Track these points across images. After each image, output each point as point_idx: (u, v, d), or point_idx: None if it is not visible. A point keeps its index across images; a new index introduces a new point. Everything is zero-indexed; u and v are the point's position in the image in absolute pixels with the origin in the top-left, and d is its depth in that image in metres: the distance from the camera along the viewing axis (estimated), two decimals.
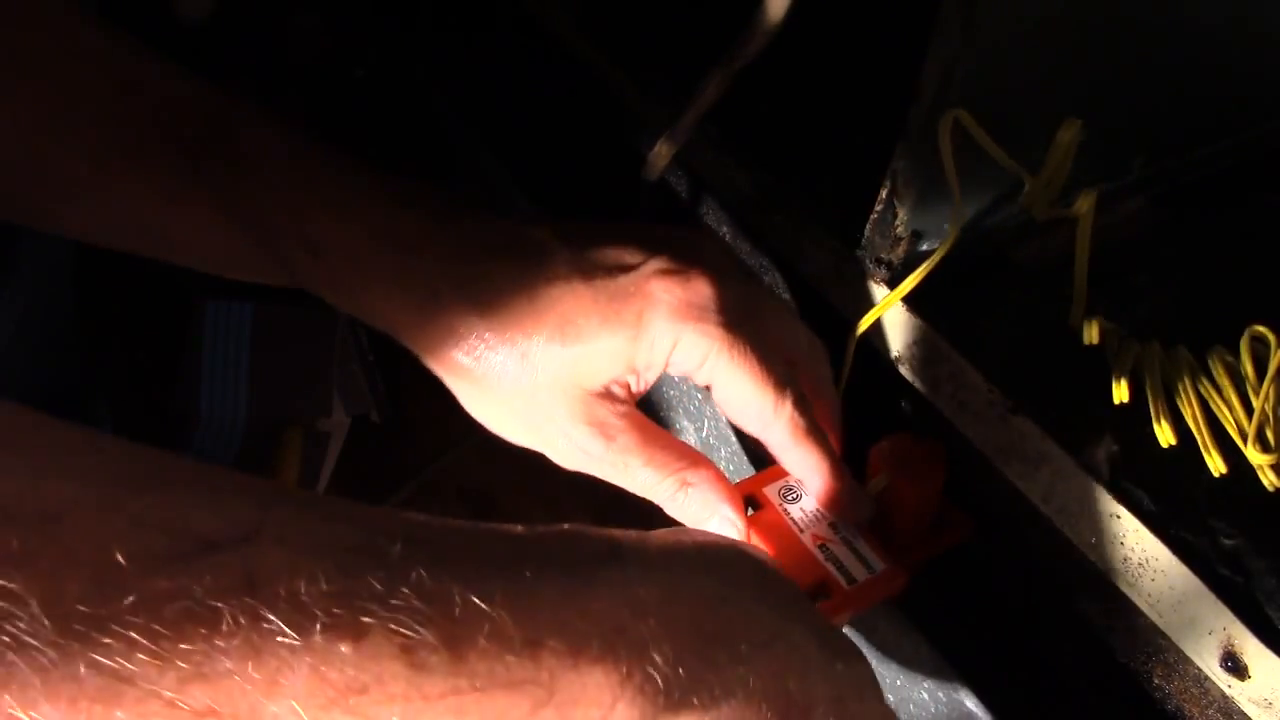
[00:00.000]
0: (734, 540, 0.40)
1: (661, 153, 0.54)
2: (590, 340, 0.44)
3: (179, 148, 0.47)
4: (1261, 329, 0.48)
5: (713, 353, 0.45)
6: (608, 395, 0.45)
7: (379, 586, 0.27)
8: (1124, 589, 0.43)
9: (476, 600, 0.28)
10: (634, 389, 0.46)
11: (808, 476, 0.47)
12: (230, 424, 0.93)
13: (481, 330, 0.45)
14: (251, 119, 0.48)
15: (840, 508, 0.47)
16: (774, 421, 0.46)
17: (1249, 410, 0.45)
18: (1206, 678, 0.42)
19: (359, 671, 0.27)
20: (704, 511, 0.46)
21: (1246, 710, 0.41)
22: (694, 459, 0.46)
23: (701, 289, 0.45)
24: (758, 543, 0.46)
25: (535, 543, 0.32)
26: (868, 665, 0.38)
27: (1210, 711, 0.43)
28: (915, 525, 0.48)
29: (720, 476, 0.46)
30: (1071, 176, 0.48)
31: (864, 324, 0.50)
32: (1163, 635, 0.43)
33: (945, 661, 0.47)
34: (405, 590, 0.28)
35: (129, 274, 0.89)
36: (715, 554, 0.37)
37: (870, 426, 0.51)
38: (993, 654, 0.48)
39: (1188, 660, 0.42)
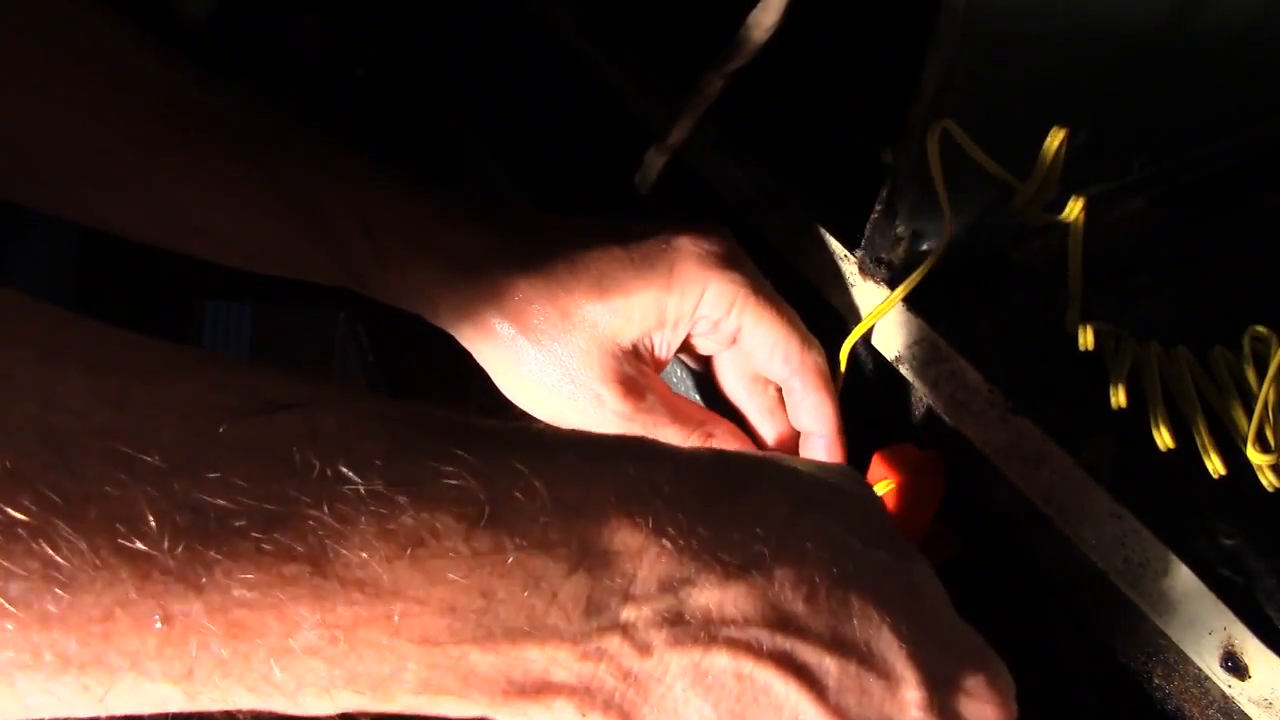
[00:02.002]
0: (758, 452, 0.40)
1: (654, 163, 0.54)
2: (626, 293, 0.47)
3: (230, 136, 0.49)
4: (1261, 329, 0.48)
5: (739, 298, 0.48)
6: (636, 354, 0.48)
7: (430, 445, 0.29)
8: (1124, 589, 0.43)
9: (517, 464, 0.30)
10: (658, 352, 0.49)
11: (819, 426, 0.49)
12: None
13: (525, 291, 0.48)
14: (295, 117, 0.51)
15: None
16: (802, 363, 0.49)
17: (1249, 411, 0.45)
18: (1206, 678, 0.42)
19: (417, 523, 0.28)
20: None
21: (1246, 710, 0.41)
22: (713, 416, 0.50)
23: (725, 244, 0.49)
24: None
25: (553, 432, 0.33)
26: (921, 563, 0.37)
27: (1210, 711, 0.43)
28: (910, 536, 0.48)
29: (737, 430, 0.50)
30: (1071, 177, 0.48)
31: (864, 324, 0.50)
32: (1163, 635, 0.43)
33: None
34: (456, 451, 0.29)
35: (129, 273, 0.89)
36: (727, 454, 0.37)
37: (870, 427, 0.51)
38: None
39: (1188, 660, 0.42)
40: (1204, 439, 0.44)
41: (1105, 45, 0.46)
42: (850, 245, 0.51)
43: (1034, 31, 0.44)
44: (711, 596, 0.31)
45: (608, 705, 0.31)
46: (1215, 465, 0.43)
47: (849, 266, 0.51)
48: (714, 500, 0.33)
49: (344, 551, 0.27)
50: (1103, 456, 0.44)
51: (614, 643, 0.30)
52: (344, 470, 0.27)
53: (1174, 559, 0.41)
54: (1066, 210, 0.47)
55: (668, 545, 0.31)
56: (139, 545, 0.25)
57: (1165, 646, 0.43)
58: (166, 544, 0.25)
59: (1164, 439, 0.44)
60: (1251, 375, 0.47)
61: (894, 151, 0.47)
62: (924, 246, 0.49)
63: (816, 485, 0.37)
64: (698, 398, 0.57)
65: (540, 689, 0.30)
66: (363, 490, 0.27)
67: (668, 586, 0.31)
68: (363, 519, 0.27)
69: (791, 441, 0.51)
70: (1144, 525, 0.42)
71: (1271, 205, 0.58)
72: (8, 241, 0.65)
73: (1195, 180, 0.57)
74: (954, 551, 0.50)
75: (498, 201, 0.67)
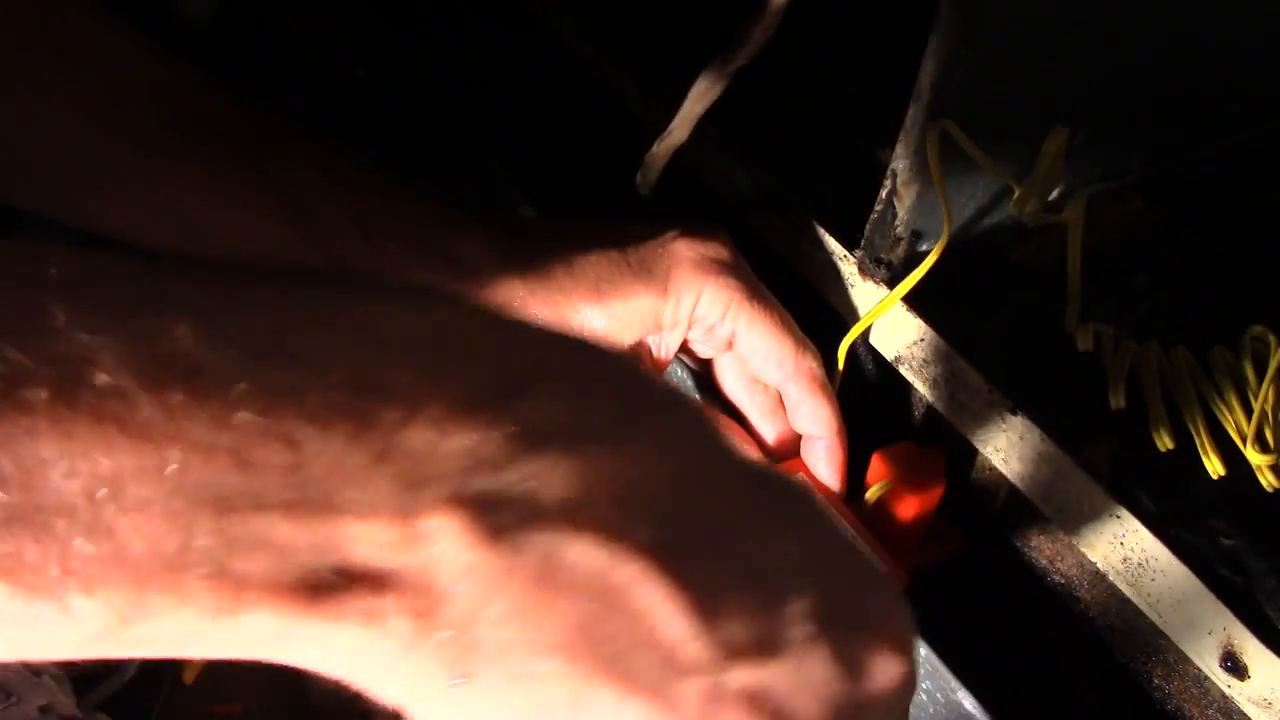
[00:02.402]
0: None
1: (654, 163, 0.54)
2: (623, 297, 0.47)
3: (229, 139, 0.49)
4: (1261, 329, 0.48)
5: (734, 303, 0.48)
6: (636, 357, 0.49)
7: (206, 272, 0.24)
8: (1124, 589, 0.43)
9: (335, 296, 0.24)
10: (657, 354, 0.49)
11: (817, 429, 0.49)
12: None
13: (523, 295, 0.48)
14: (296, 122, 0.51)
15: (840, 468, 0.49)
16: (797, 369, 0.49)
17: (1248, 411, 0.45)
18: (1206, 678, 0.42)
19: (193, 344, 0.22)
20: None
21: (1246, 710, 0.41)
22: (716, 416, 0.50)
23: (721, 249, 0.49)
24: None
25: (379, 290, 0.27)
26: (799, 496, 0.29)
27: (1210, 711, 0.43)
28: (911, 534, 0.48)
29: (738, 429, 0.50)
30: (1071, 177, 0.48)
31: (864, 324, 0.50)
32: (1163, 635, 0.43)
33: (944, 663, 0.47)
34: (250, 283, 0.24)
35: None
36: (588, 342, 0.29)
37: (870, 427, 0.51)
38: (991, 654, 0.48)
39: (1188, 660, 0.42)
40: (1203, 439, 0.44)
41: (1105, 45, 0.46)
42: (850, 245, 0.51)
43: (1034, 32, 0.44)
44: (590, 473, 0.24)
45: (437, 604, 0.23)
46: (1215, 465, 0.43)
47: (848, 266, 0.51)
48: (577, 357, 0.27)
49: (97, 373, 0.21)
50: (1103, 457, 0.44)
51: (450, 524, 0.23)
52: (98, 281, 0.22)
53: (1173, 559, 0.41)
54: (1066, 210, 0.47)
55: (553, 400, 0.25)
56: None
57: (1165, 646, 0.43)
58: None
59: (1163, 439, 0.44)
60: (1251, 375, 0.47)
61: (894, 151, 0.47)
62: (924, 246, 0.49)
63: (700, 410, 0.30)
64: (698, 398, 0.57)
65: (356, 583, 0.23)
66: (119, 303, 0.22)
67: (518, 454, 0.24)
68: (121, 335, 0.21)
69: (793, 441, 0.51)
70: (1144, 525, 0.42)
71: (1271, 205, 0.58)
72: (8, 236, 0.65)
73: (1195, 180, 0.57)
74: (954, 551, 0.50)
75: (495, 206, 0.67)
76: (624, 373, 0.27)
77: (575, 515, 0.24)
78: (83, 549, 0.21)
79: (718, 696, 0.25)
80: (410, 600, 0.23)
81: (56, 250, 0.23)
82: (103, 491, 0.21)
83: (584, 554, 0.24)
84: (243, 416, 0.22)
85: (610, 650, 0.24)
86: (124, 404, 0.21)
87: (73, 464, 0.21)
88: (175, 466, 0.21)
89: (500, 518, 0.23)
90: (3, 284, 0.22)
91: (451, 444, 0.23)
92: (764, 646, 0.26)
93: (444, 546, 0.23)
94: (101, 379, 0.21)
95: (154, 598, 0.22)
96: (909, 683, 0.29)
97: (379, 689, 0.24)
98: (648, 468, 0.25)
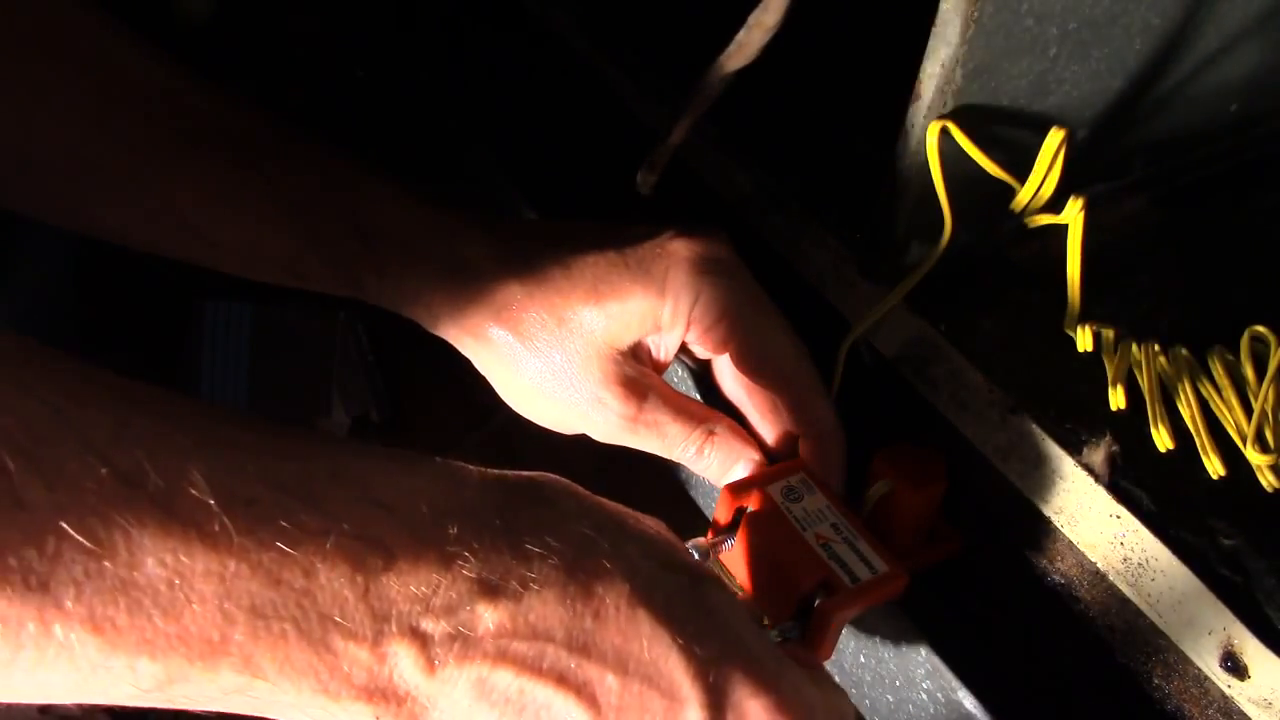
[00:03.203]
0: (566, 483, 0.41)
1: (654, 163, 0.54)
2: (621, 297, 0.47)
3: (228, 142, 0.49)
4: (1261, 329, 0.48)
5: (732, 304, 0.48)
6: (636, 357, 0.48)
7: (269, 439, 0.32)
8: (1124, 589, 0.43)
9: (339, 460, 0.33)
10: (656, 355, 0.49)
11: (816, 430, 0.49)
12: None
13: (520, 297, 0.48)
14: (294, 124, 0.51)
15: (839, 468, 0.49)
16: (794, 372, 0.49)
17: (1248, 411, 0.45)
18: (1206, 678, 0.42)
19: (258, 483, 0.30)
20: (730, 458, 0.49)
21: (1246, 710, 0.41)
22: (714, 413, 0.50)
23: (720, 249, 0.48)
24: (759, 540, 0.46)
25: (366, 446, 0.35)
26: (719, 586, 0.38)
27: (1210, 711, 0.43)
28: (912, 535, 0.48)
29: (739, 428, 0.50)
30: (1071, 177, 0.48)
31: (864, 324, 0.50)
32: (1163, 635, 0.43)
33: (945, 662, 0.47)
34: (289, 440, 0.33)
35: (129, 274, 0.89)
36: (536, 477, 0.38)
37: (870, 427, 0.51)
38: (992, 654, 0.48)
39: (1188, 660, 0.42)
40: (1203, 439, 0.44)
41: (1105, 45, 0.46)
42: (850, 245, 0.51)
43: (1034, 31, 0.44)
44: (504, 612, 0.33)
45: (397, 710, 0.32)
46: (1215, 465, 0.43)
47: (849, 266, 0.51)
48: (515, 516, 0.34)
49: (189, 490, 0.29)
50: (1103, 457, 0.44)
51: (408, 651, 0.32)
52: (204, 426, 0.30)
53: (1174, 559, 0.41)
54: (1066, 210, 0.47)
55: (470, 559, 0.33)
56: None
57: (1165, 646, 0.43)
58: (34, 445, 0.27)
59: (1163, 439, 0.44)
60: (1251, 375, 0.47)
61: (894, 151, 0.47)
62: (924, 246, 0.49)
63: (618, 514, 0.38)
64: (698, 398, 0.57)
65: (340, 684, 0.31)
66: (208, 440, 0.30)
67: (463, 600, 0.32)
68: (205, 468, 0.29)
69: (793, 441, 0.51)
70: (1144, 525, 0.42)
71: (1271, 205, 0.58)
72: (8, 241, 0.65)
73: (1195, 180, 0.57)
74: (954, 551, 0.50)
75: (495, 206, 0.68)
76: (556, 527, 0.35)
77: (500, 649, 0.33)
78: (158, 623, 0.28)
79: None
80: (379, 701, 0.32)
81: (154, 390, 0.31)
82: (178, 582, 0.28)
83: (505, 680, 0.33)
84: (281, 545, 0.30)
85: None
86: (206, 517, 0.29)
87: (162, 556, 0.28)
88: (231, 573, 0.29)
89: (442, 649, 0.32)
90: (126, 406, 0.30)
91: (411, 590, 0.31)
92: None
93: (403, 667, 0.32)
94: (193, 494, 0.29)
95: (197, 669, 0.29)
96: None
97: None
98: (557, 609, 0.33)
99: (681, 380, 0.57)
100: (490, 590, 0.33)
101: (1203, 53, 0.51)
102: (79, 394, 0.29)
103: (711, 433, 0.49)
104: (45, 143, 0.48)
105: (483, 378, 0.51)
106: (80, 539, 0.27)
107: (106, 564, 0.28)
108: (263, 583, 0.29)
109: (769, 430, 0.51)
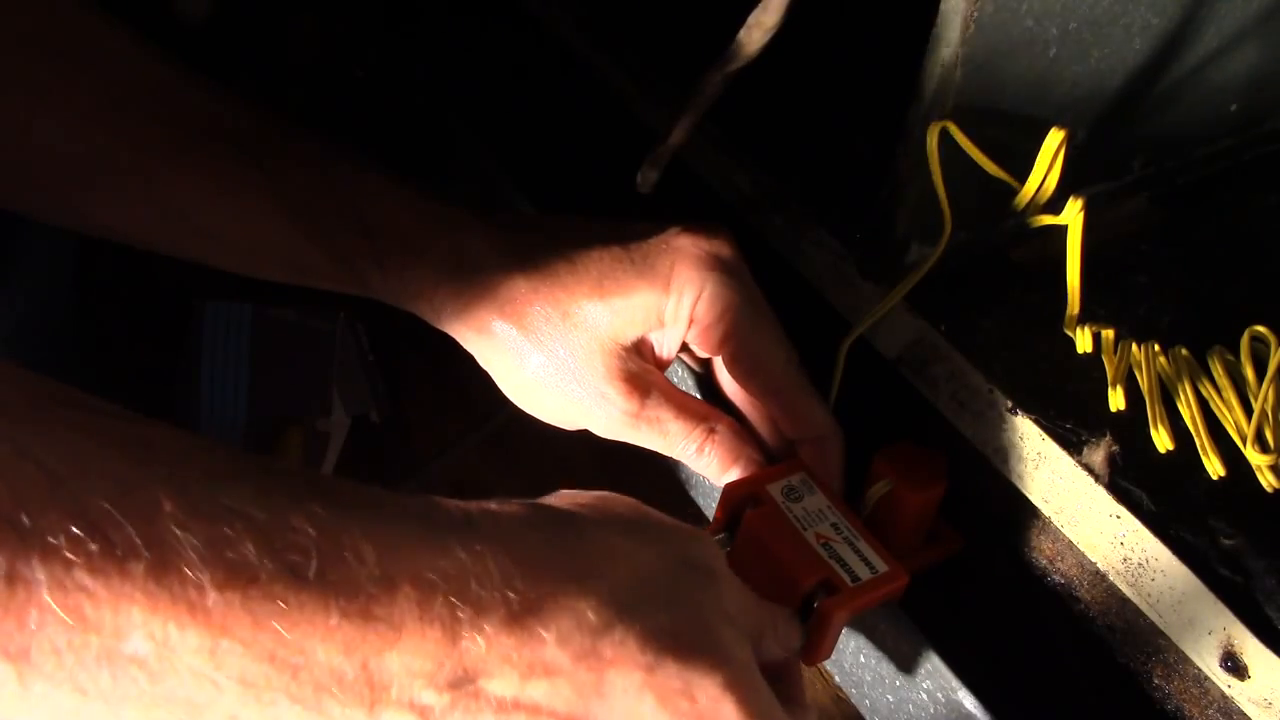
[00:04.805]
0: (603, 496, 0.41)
1: (654, 163, 0.54)
2: (626, 293, 0.47)
3: (229, 138, 0.49)
4: (1261, 329, 0.48)
5: (735, 303, 0.48)
6: (639, 353, 0.48)
7: (286, 491, 0.31)
8: (1124, 589, 0.43)
9: (354, 526, 0.31)
10: (659, 352, 0.49)
11: (813, 432, 0.49)
12: (230, 424, 0.93)
13: (525, 291, 0.47)
14: (294, 122, 0.51)
15: (838, 468, 0.49)
16: (784, 380, 0.49)
17: (1248, 411, 0.45)
18: (1206, 678, 0.42)
19: (256, 561, 0.29)
20: (730, 457, 0.49)
21: (1246, 710, 0.41)
22: (715, 412, 0.50)
23: (724, 247, 0.48)
24: (758, 539, 0.46)
25: (394, 499, 0.34)
26: (743, 661, 0.37)
27: (1210, 711, 0.43)
28: (912, 535, 0.48)
29: (739, 428, 0.50)
30: (1071, 177, 0.48)
31: (864, 324, 0.50)
32: (1163, 635, 0.43)
33: (945, 662, 0.47)
34: (308, 503, 0.31)
35: (129, 274, 0.89)
36: (559, 535, 0.37)
37: (870, 427, 0.51)
38: (992, 654, 0.48)
39: (1188, 660, 0.42)
40: (1203, 439, 0.44)
41: (1105, 45, 0.46)
42: (850, 245, 0.51)
43: (1033, 31, 0.44)
44: (508, 689, 0.33)
45: None
46: (1215, 465, 0.44)
47: (849, 266, 0.51)
48: (536, 593, 0.34)
49: (182, 567, 0.28)
50: (1103, 457, 0.44)
51: (406, 718, 0.32)
52: (203, 486, 0.29)
53: (1174, 559, 0.41)
54: (1066, 210, 0.47)
55: (478, 640, 0.32)
56: None
57: (1165, 646, 0.43)
58: (24, 517, 0.27)
59: (1163, 440, 0.44)
60: (1251, 375, 0.47)
61: (894, 151, 0.47)
62: (924, 246, 0.49)
63: (653, 565, 0.37)
64: (699, 397, 0.57)
65: None
66: (210, 512, 0.29)
67: (467, 678, 0.32)
68: (203, 541, 0.28)
69: (792, 441, 0.51)
70: (1144, 525, 0.42)
71: (1271, 205, 0.58)
72: (8, 241, 0.65)
73: (1195, 180, 0.57)
74: (954, 551, 0.50)
75: (497, 203, 0.67)
76: (576, 609, 0.34)
77: (502, 713, 0.33)
78: (144, 686, 0.28)
79: None
80: None
81: (167, 440, 0.30)
82: (167, 655, 0.28)
83: None
84: (277, 626, 0.29)
85: None
86: (199, 595, 0.28)
87: (151, 631, 0.28)
88: (223, 649, 0.29)
89: (441, 717, 0.32)
90: (128, 467, 0.29)
91: (414, 666, 0.31)
92: None
93: None
94: (185, 570, 0.28)
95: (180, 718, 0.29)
96: None
97: None
98: (564, 690, 0.34)
99: (683, 379, 0.57)
100: (497, 669, 0.33)
101: (1203, 53, 0.51)
102: (78, 454, 0.29)
103: (712, 431, 0.49)
104: (46, 142, 0.48)
105: (483, 377, 0.51)
106: (64, 616, 0.27)
107: (92, 637, 0.27)
108: (256, 658, 0.29)
109: (769, 430, 0.51)
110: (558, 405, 0.49)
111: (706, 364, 0.54)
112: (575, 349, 0.47)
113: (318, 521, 0.31)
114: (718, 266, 0.48)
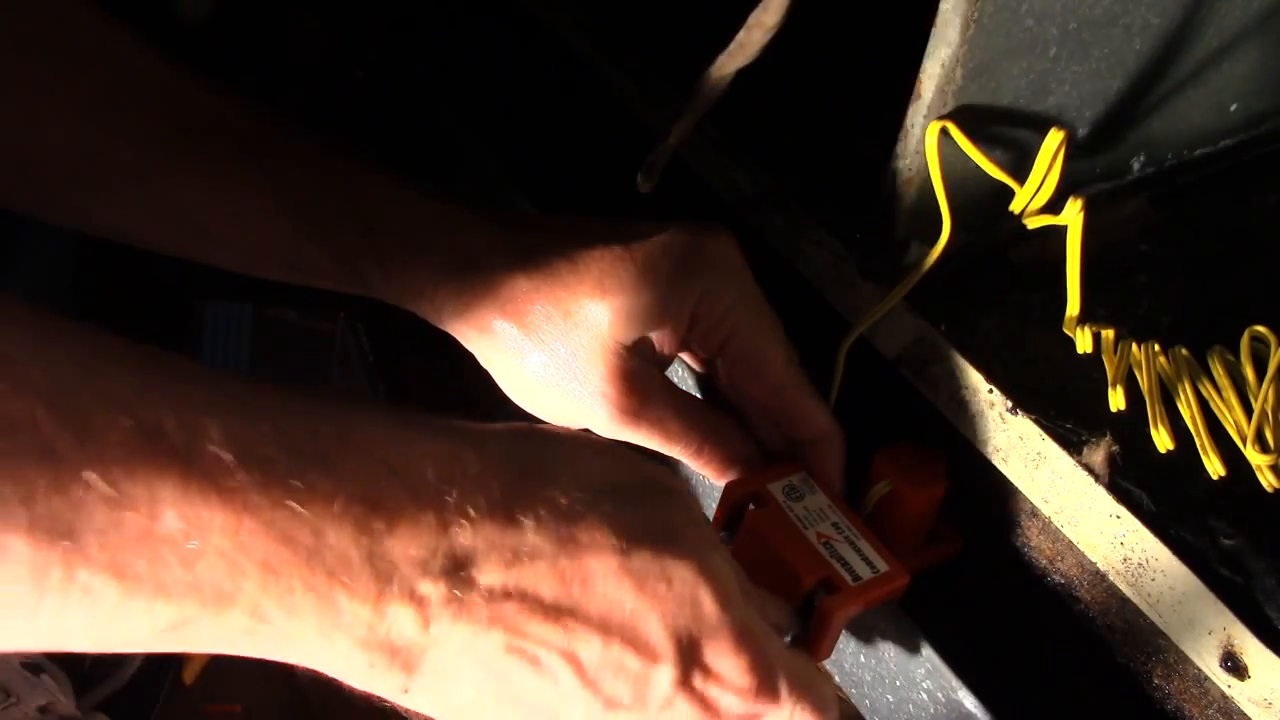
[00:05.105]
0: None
1: (654, 163, 0.54)
2: (628, 292, 0.47)
3: (230, 138, 0.49)
4: (1261, 329, 0.48)
5: (734, 304, 0.48)
6: (639, 353, 0.48)
7: (293, 401, 0.34)
8: (1124, 589, 0.43)
9: (351, 422, 0.34)
10: (660, 351, 0.49)
11: (813, 433, 0.49)
12: None
13: (526, 290, 0.47)
14: (295, 121, 0.51)
15: (838, 468, 0.50)
16: (791, 375, 0.49)
17: (1248, 411, 0.45)
18: (1206, 678, 0.42)
19: (276, 446, 0.32)
20: (730, 456, 0.49)
21: (1246, 710, 0.41)
22: (716, 412, 0.50)
23: (725, 246, 0.49)
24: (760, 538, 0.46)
25: (376, 404, 0.38)
26: (717, 552, 0.40)
27: (1210, 711, 0.43)
28: (912, 534, 0.48)
29: (738, 425, 0.50)
30: (1071, 177, 0.48)
31: (864, 324, 0.50)
32: (1163, 635, 0.43)
33: (945, 661, 0.47)
34: (315, 404, 0.34)
35: (129, 274, 0.89)
36: (537, 437, 0.40)
37: (870, 427, 0.51)
38: (992, 654, 0.48)
39: (1188, 660, 0.42)
40: (1203, 439, 0.44)
41: (1105, 45, 0.47)
42: (850, 245, 0.51)
43: (1033, 31, 0.44)
44: (496, 577, 0.35)
45: (391, 661, 0.34)
46: (1215, 465, 0.44)
47: (849, 266, 0.51)
48: (514, 483, 0.36)
49: (209, 448, 0.30)
50: (1103, 457, 0.44)
51: (406, 611, 0.33)
52: (222, 387, 0.32)
53: (1174, 559, 0.41)
54: (1066, 210, 0.47)
55: (465, 526, 0.34)
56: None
57: (1165, 646, 0.43)
58: (60, 399, 0.28)
59: (1163, 440, 0.44)
60: (1251, 375, 0.47)
61: (894, 151, 0.47)
62: (924, 246, 0.49)
63: (620, 476, 0.39)
64: (699, 397, 0.57)
65: (342, 634, 0.33)
66: (232, 406, 0.31)
67: (458, 564, 0.34)
68: (227, 428, 0.30)
69: (793, 441, 0.51)
70: (1144, 525, 0.42)
71: (1271, 205, 0.58)
72: (6, 241, 0.65)
73: (1195, 180, 0.57)
74: (954, 551, 0.50)
75: (498, 203, 0.67)
76: (553, 497, 0.37)
77: (493, 611, 0.35)
78: (176, 571, 0.30)
79: None
80: (375, 651, 0.34)
81: (194, 363, 0.33)
82: (195, 534, 0.30)
83: (495, 639, 0.35)
84: (292, 504, 0.31)
85: (516, 693, 0.36)
86: (223, 473, 0.30)
87: (181, 510, 0.29)
88: (245, 528, 0.30)
89: (437, 610, 0.34)
90: (151, 370, 0.31)
91: (411, 554, 0.33)
92: (636, 699, 0.37)
93: (400, 625, 0.33)
94: (211, 450, 0.30)
95: (209, 613, 0.31)
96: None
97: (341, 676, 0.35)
98: (547, 576, 0.35)
99: (683, 379, 0.57)
100: (484, 557, 0.35)
101: (1203, 53, 0.51)
102: (102, 352, 0.30)
103: (712, 431, 0.49)
104: (46, 141, 0.48)
105: (483, 377, 0.51)
106: (105, 489, 0.28)
107: (129, 514, 0.29)
108: (274, 539, 0.31)
109: (769, 430, 0.51)
110: (558, 404, 0.49)
111: (707, 364, 0.54)
112: (576, 348, 0.47)
113: (328, 419, 0.33)
114: (719, 266, 0.48)
